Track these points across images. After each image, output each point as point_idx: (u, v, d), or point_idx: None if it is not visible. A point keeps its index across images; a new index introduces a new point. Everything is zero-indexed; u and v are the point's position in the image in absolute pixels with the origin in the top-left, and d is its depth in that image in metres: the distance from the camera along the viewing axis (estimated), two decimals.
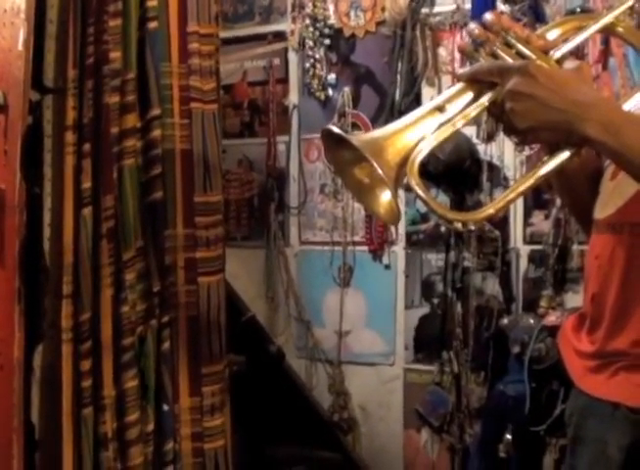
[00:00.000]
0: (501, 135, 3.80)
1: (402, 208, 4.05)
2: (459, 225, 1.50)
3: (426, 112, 1.54)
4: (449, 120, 1.52)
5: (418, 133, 1.50)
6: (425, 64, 4.00)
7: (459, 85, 1.56)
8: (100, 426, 2.71)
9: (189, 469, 2.87)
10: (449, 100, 1.54)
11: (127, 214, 2.75)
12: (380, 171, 1.44)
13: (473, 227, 1.50)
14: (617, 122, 1.48)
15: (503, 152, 3.84)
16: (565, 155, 1.52)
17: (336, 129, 1.52)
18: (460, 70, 1.60)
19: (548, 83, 1.47)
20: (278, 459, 3.95)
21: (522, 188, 1.53)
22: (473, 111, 1.52)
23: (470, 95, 1.54)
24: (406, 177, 1.47)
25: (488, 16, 1.58)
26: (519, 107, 1.47)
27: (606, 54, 3.61)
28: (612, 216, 1.73)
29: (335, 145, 1.52)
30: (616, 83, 3.57)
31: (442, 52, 3.98)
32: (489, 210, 1.51)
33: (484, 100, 1.52)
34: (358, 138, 1.51)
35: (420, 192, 1.45)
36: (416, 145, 1.48)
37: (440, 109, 1.53)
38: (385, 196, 1.50)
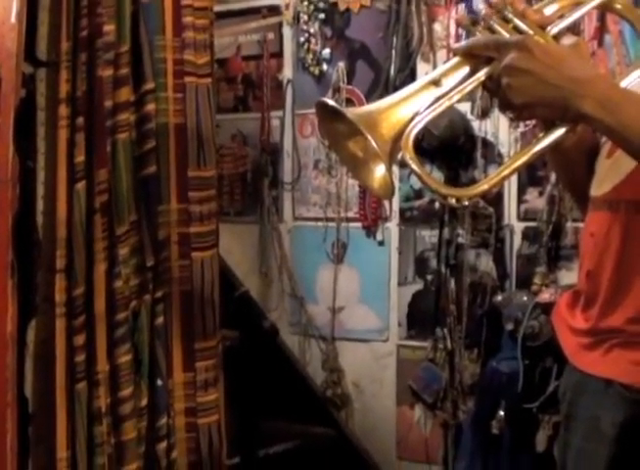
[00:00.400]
0: (496, 112, 3.79)
1: (396, 184, 4.03)
2: (453, 201, 1.49)
3: (421, 86, 1.53)
4: (445, 95, 1.51)
5: (413, 107, 1.49)
6: (420, 39, 3.98)
7: (455, 59, 1.55)
8: (94, 401, 2.70)
9: (182, 444, 2.87)
10: (445, 74, 1.53)
11: (121, 189, 2.74)
12: (374, 145, 1.43)
13: (466, 203, 1.49)
14: (613, 100, 1.48)
15: (498, 128, 3.84)
16: (560, 131, 1.51)
17: (330, 102, 1.51)
18: (456, 45, 1.58)
19: (545, 59, 1.47)
20: (271, 435, 3.95)
21: (516, 164, 1.52)
22: (468, 85, 1.52)
23: (466, 69, 1.53)
24: (401, 152, 1.46)
25: None
26: (515, 82, 1.47)
27: (602, 31, 3.60)
28: (608, 194, 1.72)
29: (329, 118, 1.51)
30: (611, 60, 3.57)
31: (438, 27, 3.96)
32: (483, 185, 1.51)
33: (480, 74, 1.51)
34: (353, 111, 1.50)
35: (414, 166, 1.45)
36: (411, 119, 1.48)
37: (436, 83, 1.52)
38: (379, 170, 1.49)
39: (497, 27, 1.54)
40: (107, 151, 2.70)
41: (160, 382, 2.84)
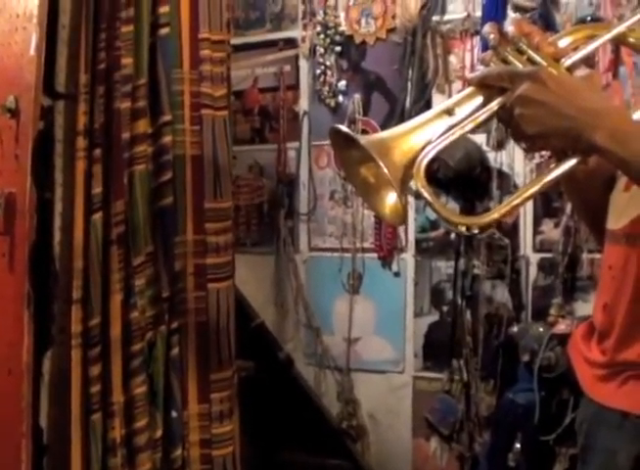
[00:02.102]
0: (511, 143, 3.80)
1: (412, 215, 4.05)
2: (463, 229, 1.50)
3: (434, 114, 1.53)
4: (458, 124, 1.51)
5: (426, 135, 1.49)
6: (435, 71, 4.00)
7: (469, 89, 1.56)
8: (109, 432, 2.71)
9: None
10: (458, 103, 1.54)
11: (137, 220, 2.75)
12: (386, 172, 1.43)
13: (476, 231, 1.49)
14: (625, 131, 1.48)
15: (513, 159, 3.84)
16: (572, 162, 1.51)
17: (344, 128, 1.52)
18: (470, 75, 1.59)
19: (558, 90, 1.47)
20: (287, 466, 3.95)
21: (527, 194, 1.52)
22: (482, 115, 1.52)
23: (479, 99, 1.53)
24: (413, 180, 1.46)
25: (508, 23, 1.58)
26: (528, 112, 1.47)
27: (616, 62, 3.60)
28: (626, 227, 1.72)
29: (343, 145, 1.52)
30: (626, 92, 3.57)
31: (453, 59, 3.98)
32: (494, 214, 1.50)
33: (494, 104, 1.51)
34: (366, 138, 1.51)
35: (426, 194, 1.45)
36: (423, 147, 1.48)
37: (449, 112, 1.52)
38: (391, 197, 1.50)
39: (511, 59, 1.54)
40: (124, 182, 2.72)
41: (174, 413, 2.84)
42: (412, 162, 1.47)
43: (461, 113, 1.52)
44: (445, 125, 1.51)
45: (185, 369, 2.86)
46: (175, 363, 2.84)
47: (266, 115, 4.53)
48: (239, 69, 4.28)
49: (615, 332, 1.71)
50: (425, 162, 1.46)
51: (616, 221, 1.76)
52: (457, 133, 1.50)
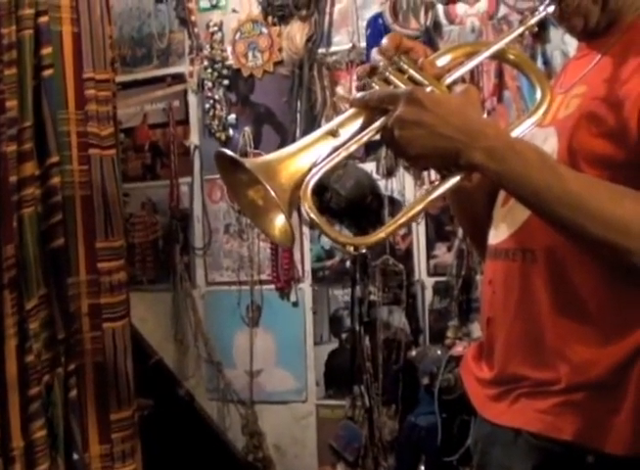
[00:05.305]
0: (401, 170, 3.86)
1: (307, 244, 4.07)
2: (351, 249, 1.51)
3: (319, 136, 1.53)
4: (342, 145, 1.51)
5: (311, 157, 1.50)
6: (324, 102, 4.04)
7: (352, 110, 1.56)
8: None
9: None
10: (342, 125, 1.54)
11: (29, 263, 2.73)
12: (273, 194, 1.45)
13: (364, 250, 1.51)
14: (502, 149, 1.48)
15: (404, 186, 3.89)
16: (455, 180, 1.52)
17: (229, 152, 1.51)
18: (353, 96, 1.60)
19: (435, 109, 1.47)
20: None
21: (412, 212, 1.52)
22: (364, 136, 1.52)
23: (362, 120, 1.54)
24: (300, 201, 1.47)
25: (385, 39, 1.60)
26: (406, 134, 1.47)
27: (500, 87, 3.69)
28: (504, 242, 1.74)
29: (229, 169, 1.52)
30: (511, 115, 3.65)
31: (340, 90, 4.03)
32: (380, 233, 1.50)
33: (375, 126, 1.51)
34: (251, 161, 1.51)
35: (313, 215, 1.45)
36: (310, 169, 1.48)
37: (333, 133, 1.52)
38: (279, 219, 1.51)
39: (392, 79, 1.55)
40: (13, 226, 2.69)
41: (76, 456, 2.81)
42: (299, 183, 1.47)
43: (345, 134, 1.53)
44: (330, 147, 1.51)
45: (84, 411, 2.84)
46: (74, 405, 2.81)
47: (157, 151, 4.52)
48: (128, 106, 4.28)
49: (500, 345, 1.74)
50: (311, 183, 1.46)
51: (494, 236, 1.79)
52: (342, 154, 1.50)
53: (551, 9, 1.72)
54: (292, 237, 1.51)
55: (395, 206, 3.90)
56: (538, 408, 1.68)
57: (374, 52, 1.60)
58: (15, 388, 2.69)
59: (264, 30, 4.21)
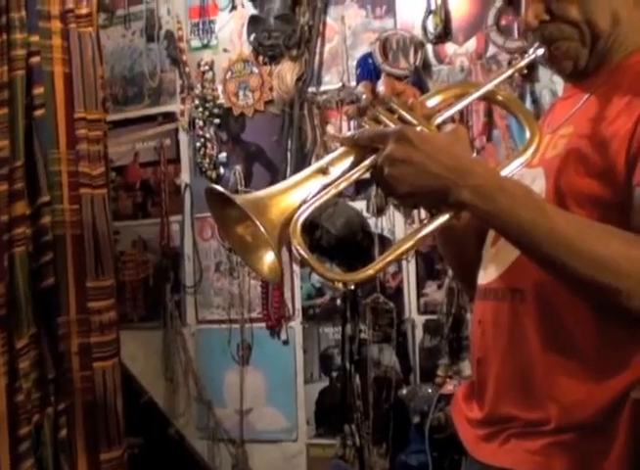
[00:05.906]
0: (391, 208, 3.87)
1: (297, 282, 4.08)
2: (340, 285, 1.51)
3: (309, 174, 1.55)
4: (332, 183, 1.53)
5: (301, 194, 1.51)
6: (314, 141, 4.06)
7: (342, 149, 1.58)
8: None
9: None
10: (332, 163, 1.55)
11: (19, 302, 2.73)
12: (263, 231, 1.45)
13: (353, 287, 1.52)
14: (491, 187, 1.50)
15: (394, 224, 3.90)
16: (443, 218, 1.53)
17: (219, 188, 1.53)
18: (343, 135, 1.61)
19: (424, 148, 1.48)
20: None
21: (400, 250, 1.53)
22: (354, 174, 1.54)
23: (352, 158, 1.56)
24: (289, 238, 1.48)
25: (382, 85, 1.61)
26: (395, 172, 1.48)
27: (489, 126, 3.71)
28: (493, 282, 1.75)
29: (219, 205, 1.53)
30: (500, 154, 3.66)
31: (330, 129, 4.05)
32: (369, 270, 1.52)
33: (365, 164, 1.53)
34: (242, 197, 1.52)
35: (302, 252, 1.46)
36: (299, 206, 1.50)
37: (324, 171, 1.54)
38: (268, 255, 1.52)
39: (382, 118, 1.57)
40: (4, 265, 2.70)
41: None
42: (288, 220, 1.48)
43: (335, 172, 1.54)
44: (320, 184, 1.53)
45: (74, 450, 2.83)
46: (64, 445, 2.80)
47: (148, 189, 4.53)
48: (119, 144, 4.29)
49: (491, 385, 1.74)
50: (301, 220, 1.48)
51: (483, 276, 1.80)
52: (331, 192, 1.52)
53: (540, 52, 1.74)
54: (280, 273, 1.52)
55: (386, 244, 3.91)
56: (529, 449, 1.68)
57: (364, 92, 1.61)
58: (4, 427, 2.68)
59: (255, 70, 4.23)
